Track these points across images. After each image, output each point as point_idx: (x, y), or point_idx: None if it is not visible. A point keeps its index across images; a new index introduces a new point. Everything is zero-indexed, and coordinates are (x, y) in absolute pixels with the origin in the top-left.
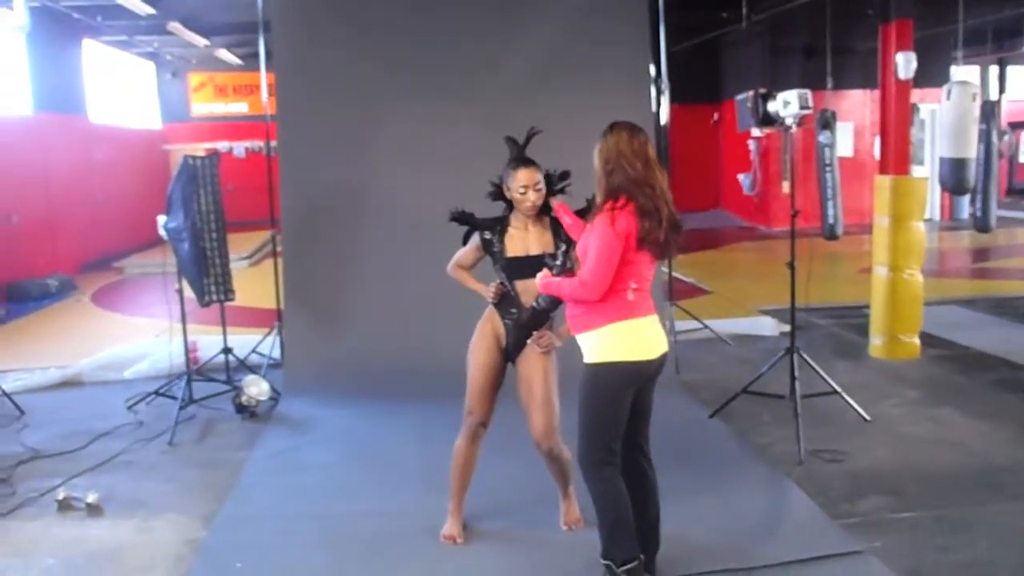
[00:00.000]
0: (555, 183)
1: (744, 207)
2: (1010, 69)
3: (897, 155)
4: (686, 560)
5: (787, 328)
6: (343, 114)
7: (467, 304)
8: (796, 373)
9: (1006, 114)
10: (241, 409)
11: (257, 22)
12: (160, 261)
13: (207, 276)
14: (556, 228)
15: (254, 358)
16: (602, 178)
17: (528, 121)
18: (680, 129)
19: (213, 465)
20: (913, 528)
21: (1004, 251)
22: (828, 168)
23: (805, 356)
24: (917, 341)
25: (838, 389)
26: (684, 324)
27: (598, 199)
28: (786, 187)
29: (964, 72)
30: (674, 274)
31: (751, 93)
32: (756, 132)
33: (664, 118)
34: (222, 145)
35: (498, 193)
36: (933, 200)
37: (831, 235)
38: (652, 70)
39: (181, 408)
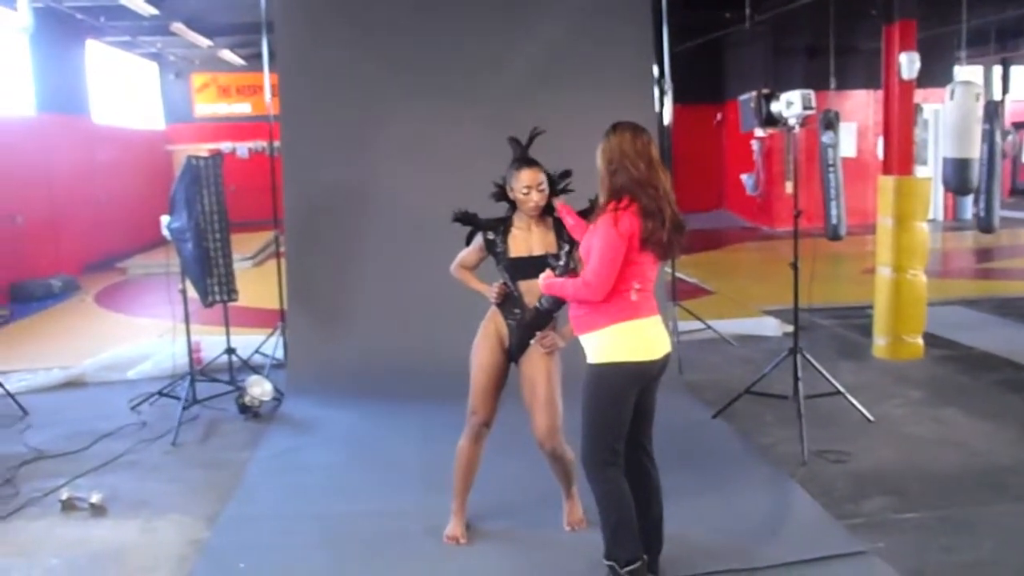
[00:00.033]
0: (557, 184)
1: (747, 207)
2: (1013, 69)
3: (900, 155)
4: (689, 560)
5: (790, 328)
6: (346, 115)
7: (470, 304)
8: (799, 373)
9: (1009, 114)
10: (244, 409)
11: (260, 23)
12: (163, 261)
13: (210, 276)
14: (559, 228)
15: (257, 358)
16: (605, 178)
17: (531, 121)
18: (683, 129)
19: (216, 465)
20: (917, 529)
21: (1007, 251)
22: (831, 168)
23: (808, 356)
24: (921, 341)
25: (841, 389)
26: (687, 324)
27: (601, 199)
28: (789, 187)
29: (967, 72)
30: (677, 274)
31: (754, 93)
32: (759, 132)
33: (667, 118)
34: (225, 146)
35: (501, 194)
36: (936, 200)
37: (834, 235)
38: (655, 70)
39: (184, 408)
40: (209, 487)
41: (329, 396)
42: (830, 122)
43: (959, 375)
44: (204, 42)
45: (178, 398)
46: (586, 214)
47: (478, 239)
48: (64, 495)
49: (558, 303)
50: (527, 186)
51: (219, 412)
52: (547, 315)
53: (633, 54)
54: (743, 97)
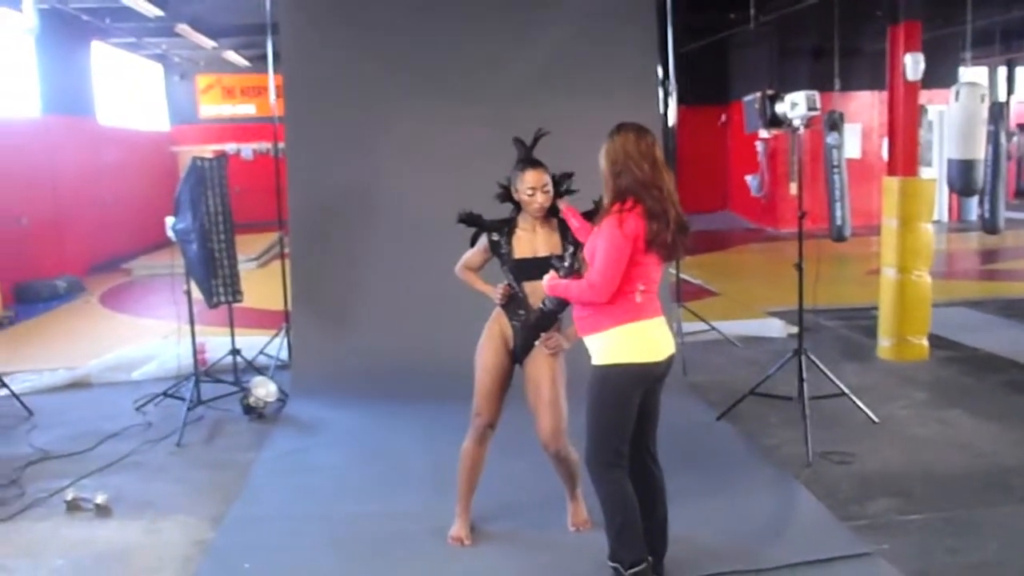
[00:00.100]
0: (561, 185)
1: (752, 209)
2: (1019, 70)
3: (905, 156)
4: (694, 562)
5: (795, 330)
6: (351, 116)
7: (474, 306)
8: (804, 375)
9: (1015, 115)
10: (249, 410)
11: (265, 24)
12: (168, 263)
13: (215, 277)
14: (564, 230)
15: (262, 359)
16: (609, 180)
17: (536, 122)
18: (688, 130)
19: (221, 466)
20: (922, 530)
21: (1012, 253)
22: (836, 169)
23: (813, 358)
24: (925, 343)
25: (846, 391)
26: (691, 326)
27: (605, 201)
28: (793, 189)
29: (972, 73)
30: (682, 276)
31: (759, 94)
32: (764, 133)
33: (672, 119)
34: (230, 147)
35: (506, 195)
36: (941, 202)
37: (839, 237)
38: (659, 71)
39: (189, 409)
40: (214, 488)
41: (333, 397)
42: (834, 123)
43: (964, 376)
44: (209, 43)
45: (183, 399)
46: (590, 216)
47: (483, 240)
48: (69, 496)
49: (562, 304)
50: (532, 187)
51: (224, 413)
52: (551, 316)
53: (637, 55)
54: (748, 98)
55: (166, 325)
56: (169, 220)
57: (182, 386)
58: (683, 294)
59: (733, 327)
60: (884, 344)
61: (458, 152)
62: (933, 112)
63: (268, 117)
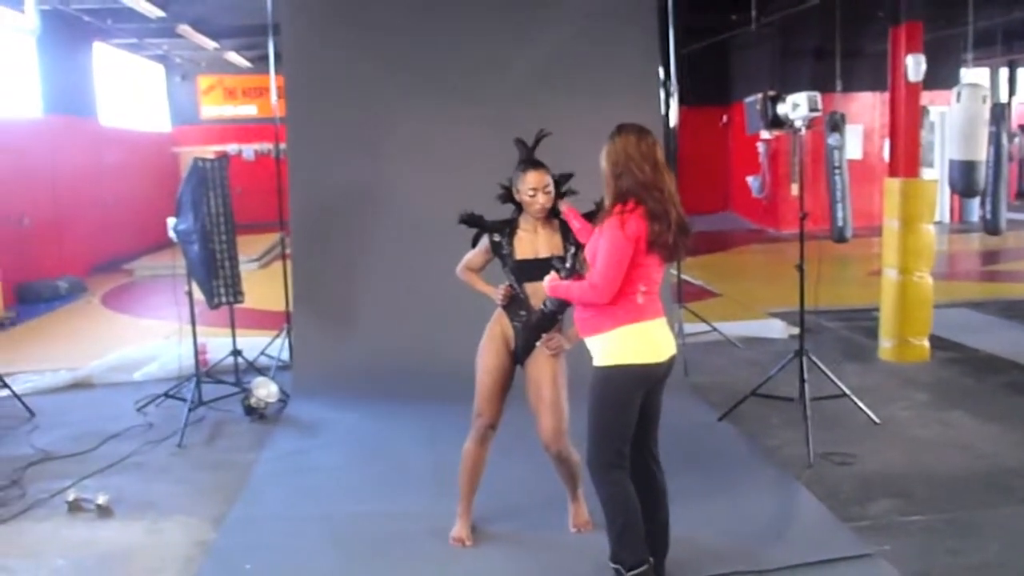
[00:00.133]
0: (563, 186)
1: (753, 210)
2: (1020, 71)
3: (907, 158)
4: (695, 563)
5: (796, 331)
6: (353, 116)
7: (476, 306)
8: (805, 376)
9: (1016, 116)
10: (250, 411)
11: (266, 25)
12: (170, 263)
13: (216, 278)
14: (565, 231)
15: (263, 360)
16: (610, 181)
17: (536, 123)
18: (689, 131)
19: (222, 467)
20: (923, 531)
21: (1014, 254)
22: (837, 171)
23: (814, 359)
24: (927, 344)
25: (847, 392)
26: (693, 327)
27: (606, 202)
28: (795, 190)
29: (974, 74)
30: (683, 277)
31: (760, 95)
32: (765, 134)
33: (673, 120)
34: (231, 148)
35: (507, 195)
36: (943, 203)
37: (840, 238)
38: (661, 72)
39: (190, 410)
40: (215, 488)
41: (335, 397)
42: (836, 124)
43: (965, 377)
44: (210, 44)
45: (184, 400)
46: (592, 217)
47: (484, 241)
48: (71, 496)
49: (563, 305)
50: (533, 188)
51: (225, 414)
52: (552, 317)
53: (638, 55)
54: (749, 99)
55: (167, 326)
56: (171, 221)
57: (183, 387)
58: (684, 295)
59: (734, 328)
60: (885, 345)
61: (459, 152)
62: (935, 113)
63: (269, 118)
